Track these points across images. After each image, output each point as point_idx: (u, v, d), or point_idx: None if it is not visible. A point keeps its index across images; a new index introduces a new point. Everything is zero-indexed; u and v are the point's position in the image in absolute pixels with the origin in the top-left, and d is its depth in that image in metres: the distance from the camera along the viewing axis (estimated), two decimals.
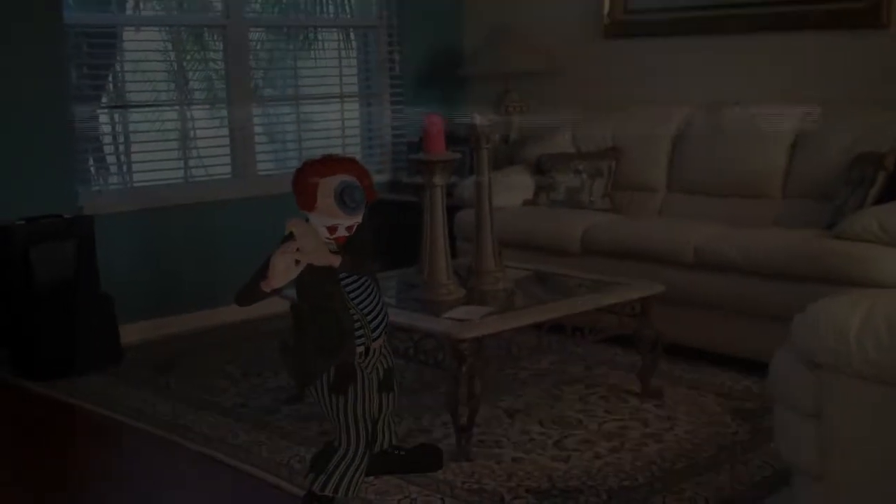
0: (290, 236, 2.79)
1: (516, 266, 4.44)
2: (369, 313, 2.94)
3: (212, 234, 5.63)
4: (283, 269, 2.76)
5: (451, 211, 4.60)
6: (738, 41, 5.46)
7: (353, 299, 2.92)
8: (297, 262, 2.76)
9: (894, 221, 4.14)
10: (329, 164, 2.88)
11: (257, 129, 6.04)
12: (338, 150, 6.33)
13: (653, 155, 5.49)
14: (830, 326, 2.42)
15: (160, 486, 3.60)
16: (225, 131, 5.86)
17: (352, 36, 6.53)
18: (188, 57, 6.05)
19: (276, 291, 2.81)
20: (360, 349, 2.96)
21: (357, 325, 2.92)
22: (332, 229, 2.84)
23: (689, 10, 5.65)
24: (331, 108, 6.40)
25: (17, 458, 3.89)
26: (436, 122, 3.97)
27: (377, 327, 2.97)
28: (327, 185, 2.82)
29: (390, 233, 5.37)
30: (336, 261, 2.82)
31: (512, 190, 5.57)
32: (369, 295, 2.95)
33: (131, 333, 5.12)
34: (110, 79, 5.58)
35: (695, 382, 4.38)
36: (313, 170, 2.85)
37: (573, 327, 4.01)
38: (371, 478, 3.30)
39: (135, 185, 5.54)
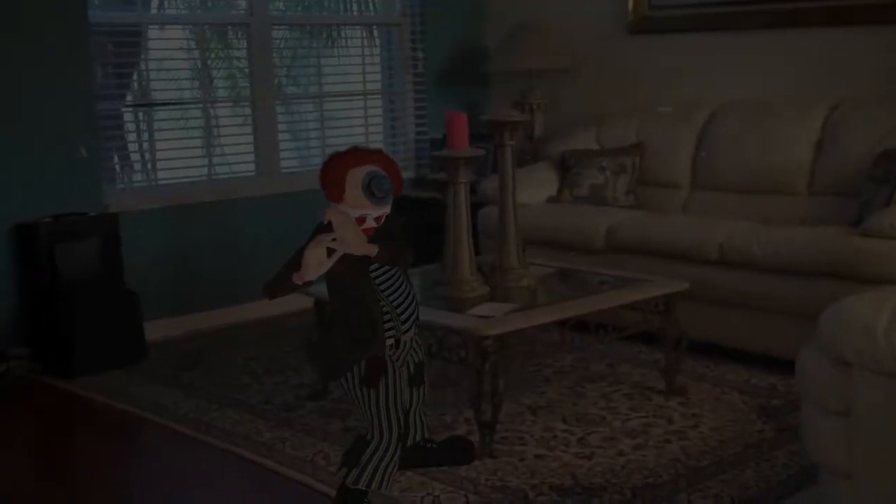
0: (323, 227, 2.78)
1: (540, 263, 4.43)
2: (399, 305, 2.93)
3: (235, 231, 5.64)
4: (316, 262, 2.76)
5: (475, 208, 4.61)
6: (762, 37, 5.42)
7: (382, 291, 2.91)
8: (330, 253, 2.76)
9: None
10: (357, 154, 2.88)
11: (281, 126, 6.05)
12: None
13: (677, 152, 5.46)
14: (858, 324, 2.40)
15: (183, 483, 3.62)
16: (249, 129, 5.87)
17: (375, 33, 6.54)
18: (212, 55, 6.07)
19: (306, 284, 2.81)
20: (391, 341, 2.95)
21: (387, 317, 2.91)
22: (360, 220, 2.83)
23: (713, 6, 5.61)
24: (354, 105, 6.41)
25: (42, 455, 3.91)
26: (459, 118, 3.96)
27: (407, 319, 2.95)
28: (355, 176, 2.81)
29: (414, 230, 5.36)
30: (373, 251, 2.82)
31: (536, 187, 5.56)
32: (399, 287, 2.94)
33: (156, 330, 5.14)
34: (135, 77, 5.61)
35: (719, 380, 4.36)
36: (341, 161, 2.86)
37: (597, 324, 4.00)
38: (405, 471, 3.30)
39: (159, 182, 5.56)
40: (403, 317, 2.94)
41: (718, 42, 5.60)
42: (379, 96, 6.53)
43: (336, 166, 2.85)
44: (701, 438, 3.73)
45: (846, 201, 4.68)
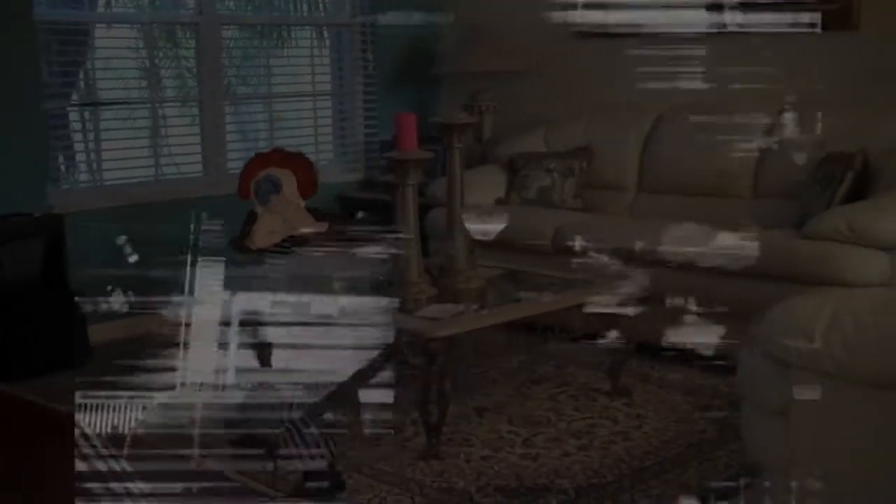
0: (249, 216, 2.86)
1: (488, 265, 4.44)
2: None
3: (183, 231, 5.59)
4: (267, 231, 2.83)
5: (424, 210, 4.61)
6: (709, 42, 5.48)
7: None
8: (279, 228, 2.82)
9: (862, 221, 4.17)
10: (265, 159, 2.95)
11: (229, 126, 6.01)
12: (310, 149, 6.32)
13: (624, 154, 5.51)
14: (798, 325, 2.44)
15: (127, 488, 3.58)
16: (197, 129, 5.83)
17: (325, 34, 6.52)
18: (160, 54, 6.02)
19: (261, 251, 2.87)
20: None
21: None
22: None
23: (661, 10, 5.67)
24: (304, 106, 6.38)
25: None
26: (408, 120, 3.97)
27: None
28: (259, 176, 2.91)
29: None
30: (323, 226, 2.88)
31: (484, 189, 5.58)
32: None
33: (101, 333, 5.09)
34: (81, 76, 5.55)
35: (663, 381, 4.41)
36: (254, 165, 2.94)
37: (544, 326, 4.02)
38: None
39: (105, 182, 5.50)
40: None
41: (665, 46, 5.65)
42: (329, 97, 6.52)
43: (247, 170, 2.94)
44: (645, 438, 3.77)
45: (789, 204, 4.74)
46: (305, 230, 2.88)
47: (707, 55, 5.48)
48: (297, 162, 2.99)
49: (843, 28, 5.03)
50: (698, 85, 5.49)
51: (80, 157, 5.72)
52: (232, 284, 5.33)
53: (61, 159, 5.48)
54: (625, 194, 5.49)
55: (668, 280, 4.59)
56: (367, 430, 3.81)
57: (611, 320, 4.15)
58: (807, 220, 4.40)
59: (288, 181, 2.91)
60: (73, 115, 5.56)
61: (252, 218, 2.91)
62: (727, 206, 5.03)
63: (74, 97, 5.52)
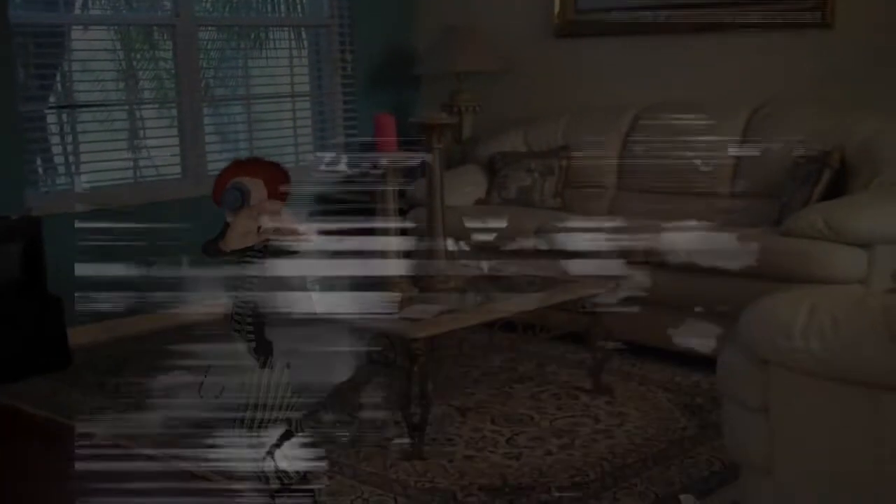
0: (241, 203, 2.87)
1: (469, 264, 4.44)
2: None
3: (162, 233, 5.57)
4: (242, 232, 2.84)
5: (404, 210, 4.61)
6: (686, 41, 5.51)
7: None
8: (258, 230, 2.83)
9: (839, 218, 4.20)
10: (240, 167, 2.96)
11: (208, 128, 6.00)
12: (290, 150, 6.32)
13: (603, 154, 5.52)
14: (776, 323, 2.45)
15: (110, 491, 3.57)
16: (175, 131, 5.81)
17: (303, 35, 6.51)
18: (137, 56, 6.00)
19: (233, 252, 2.87)
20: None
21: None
22: None
23: (638, 11, 5.69)
24: (282, 107, 6.37)
25: None
26: (387, 122, 3.97)
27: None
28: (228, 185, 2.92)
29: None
30: (312, 233, 2.90)
31: (465, 189, 5.59)
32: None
33: (80, 336, 5.06)
34: (58, 78, 5.52)
35: (644, 379, 4.42)
36: (228, 171, 2.95)
37: (525, 325, 4.03)
38: None
39: (83, 185, 5.48)
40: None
41: (643, 46, 5.68)
42: (307, 98, 6.51)
43: (221, 176, 2.97)
44: (627, 437, 3.78)
45: (767, 202, 4.77)
46: (291, 232, 2.89)
47: (684, 54, 5.52)
48: (268, 170, 2.99)
49: (818, 27, 5.07)
50: (676, 84, 5.53)
51: (57, 159, 5.69)
52: (210, 285, 5.32)
53: (39, 162, 5.45)
54: (604, 193, 5.51)
55: (647, 278, 4.61)
56: (351, 432, 3.81)
57: (590, 319, 4.17)
58: (785, 218, 4.42)
59: (257, 189, 2.91)
60: (51, 118, 5.53)
61: (226, 225, 2.91)
62: (706, 205, 5.06)
63: (51, 99, 5.49)
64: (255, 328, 2.98)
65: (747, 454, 2.64)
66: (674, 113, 5.34)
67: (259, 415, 2.99)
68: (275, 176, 2.95)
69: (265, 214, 2.84)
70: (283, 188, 2.96)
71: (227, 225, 2.90)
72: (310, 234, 2.92)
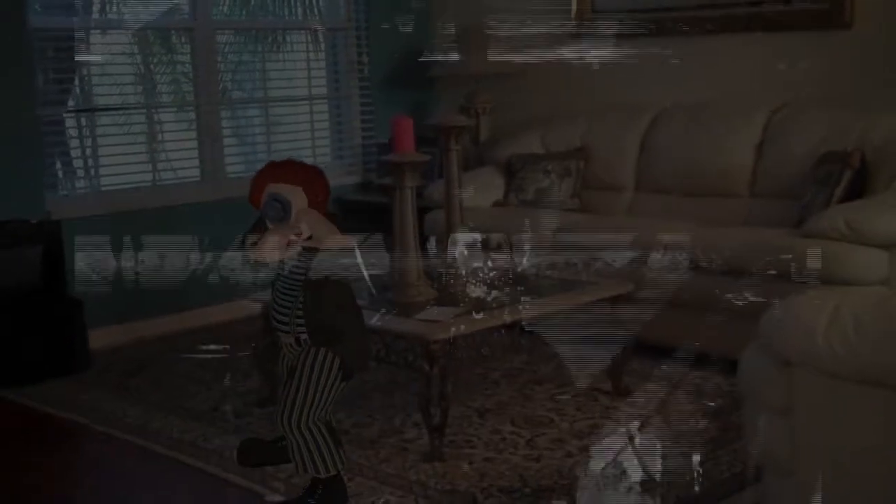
0: (255, 224, 2.89)
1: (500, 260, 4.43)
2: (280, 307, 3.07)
3: (181, 236, 5.58)
4: (271, 247, 2.86)
5: (422, 212, 4.61)
6: (703, 42, 5.49)
7: (281, 292, 3.04)
8: (290, 244, 2.85)
9: (861, 219, 4.18)
10: (278, 170, 2.97)
11: (226, 131, 6.01)
12: (307, 153, 6.32)
13: (621, 155, 5.51)
14: (798, 324, 2.44)
15: (131, 493, 3.58)
16: (193, 134, 5.83)
17: (320, 38, 6.52)
18: (155, 60, 6.02)
19: (258, 263, 2.91)
20: (290, 339, 3.07)
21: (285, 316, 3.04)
22: None
23: (656, 12, 5.68)
24: (300, 110, 6.38)
25: None
26: (405, 123, 3.97)
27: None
28: (266, 193, 2.93)
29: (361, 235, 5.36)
30: (351, 242, 2.92)
31: (482, 190, 5.58)
32: (288, 291, 3.03)
33: (100, 338, 5.08)
34: (77, 83, 5.54)
35: (665, 380, 4.40)
36: (265, 173, 2.96)
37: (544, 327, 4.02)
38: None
39: (102, 189, 5.50)
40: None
41: (661, 47, 5.66)
42: (325, 101, 6.52)
43: (258, 177, 2.98)
44: (647, 439, 3.77)
45: (787, 203, 4.75)
46: (329, 245, 2.92)
47: (702, 54, 5.50)
48: (307, 176, 2.98)
49: (837, 27, 5.04)
50: (694, 84, 5.51)
51: (76, 163, 5.72)
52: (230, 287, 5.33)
53: (58, 166, 5.47)
54: (623, 195, 5.49)
55: (667, 279, 4.60)
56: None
57: (610, 320, 4.16)
58: (805, 220, 4.40)
59: (297, 199, 2.91)
60: (70, 122, 5.55)
61: (262, 226, 2.92)
62: (725, 206, 5.04)
63: (70, 103, 5.52)
64: (309, 318, 2.99)
65: (769, 456, 2.63)
66: (692, 114, 5.33)
67: (305, 404, 3.00)
68: (314, 183, 2.94)
69: (304, 223, 2.86)
70: (322, 196, 2.95)
71: (258, 227, 2.91)
72: (349, 243, 2.94)
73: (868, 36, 4.97)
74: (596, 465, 3.24)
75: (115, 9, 5.84)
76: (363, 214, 5.77)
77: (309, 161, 6.15)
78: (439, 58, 6.38)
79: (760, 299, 3.05)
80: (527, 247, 4.38)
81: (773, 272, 4.24)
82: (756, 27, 5.30)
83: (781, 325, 2.49)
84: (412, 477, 3.47)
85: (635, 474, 3.12)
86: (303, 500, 3.13)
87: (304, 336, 3.03)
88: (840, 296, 2.52)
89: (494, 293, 4.13)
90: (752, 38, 5.32)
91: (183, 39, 5.89)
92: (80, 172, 5.71)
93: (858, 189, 4.48)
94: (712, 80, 5.46)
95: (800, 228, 4.38)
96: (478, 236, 4.08)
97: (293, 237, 2.89)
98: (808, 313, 2.44)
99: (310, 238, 2.92)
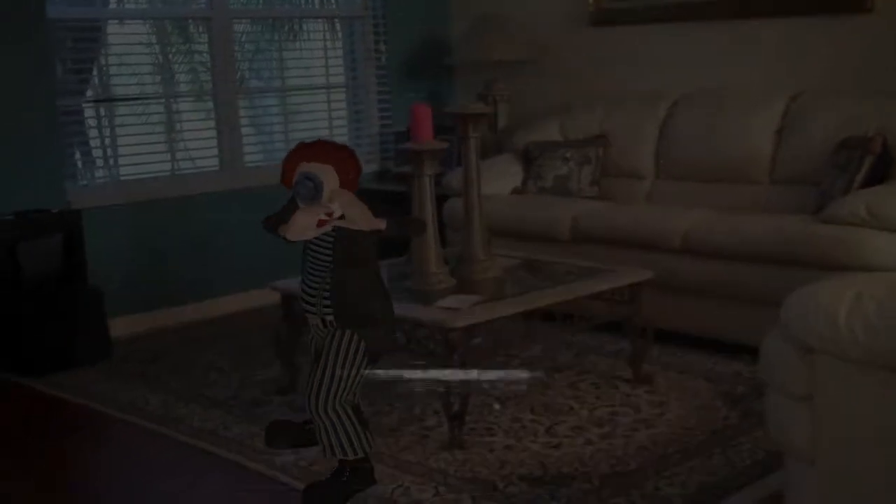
0: (288, 204, 2.90)
1: (506, 254, 4.44)
2: (313, 285, 3.06)
3: (200, 226, 5.61)
4: (303, 227, 2.87)
5: (440, 200, 4.61)
6: (723, 27, 5.46)
7: (309, 270, 3.05)
8: (320, 224, 2.86)
9: (881, 205, 4.16)
10: (309, 150, 2.97)
11: (244, 120, 6.02)
12: None
13: (640, 142, 5.49)
14: (820, 311, 2.42)
15: (151, 479, 3.60)
16: (211, 123, 5.84)
17: (337, 26, 6.52)
18: (173, 49, 6.03)
19: (286, 240, 2.93)
20: (316, 320, 3.08)
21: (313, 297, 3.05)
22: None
23: None
24: (317, 98, 6.39)
25: (6, 453, 3.88)
26: (423, 111, 3.96)
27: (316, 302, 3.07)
28: (298, 172, 2.92)
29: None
30: (382, 224, 2.93)
31: (500, 178, 5.58)
32: (320, 268, 3.02)
33: (121, 327, 5.11)
34: (95, 73, 5.56)
35: (685, 368, 4.40)
36: (297, 154, 2.96)
37: (563, 314, 4.02)
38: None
39: (122, 178, 5.53)
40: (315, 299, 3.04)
41: (679, 32, 5.64)
42: (342, 89, 6.51)
43: (289, 158, 2.97)
44: (667, 426, 3.76)
45: (807, 189, 4.72)
46: (365, 228, 2.93)
47: (721, 40, 5.47)
48: (339, 155, 2.99)
49: (857, 11, 5.00)
50: (713, 70, 5.48)
51: (96, 153, 5.74)
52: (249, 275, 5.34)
53: (78, 156, 5.50)
54: (642, 182, 5.47)
55: (686, 267, 4.59)
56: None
57: (630, 307, 4.15)
58: (826, 206, 4.38)
59: (329, 178, 2.91)
60: (89, 112, 5.58)
61: (293, 206, 2.93)
62: (745, 192, 5.02)
63: (89, 94, 5.53)
64: (336, 298, 2.99)
65: (791, 444, 2.62)
66: (711, 100, 5.31)
67: (332, 386, 3.00)
68: (345, 162, 2.95)
69: (336, 203, 2.88)
70: (354, 174, 2.96)
71: (290, 207, 2.92)
72: (380, 224, 2.95)
73: (889, 20, 4.93)
74: None
75: None
76: (381, 203, 5.75)
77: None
78: (457, 45, 6.38)
79: (781, 285, 3.02)
80: None
81: (793, 258, 4.23)
82: (776, 12, 5.25)
83: (803, 312, 2.47)
84: (432, 464, 3.47)
85: None
86: (330, 483, 3.13)
87: (329, 318, 3.03)
88: (862, 282, 2.50)
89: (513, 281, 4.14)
90: (772, 23, 5.29)
91: (201, 29, 5.90)
92: (100, 162, 5.73)
93: (880, 175, 4.45)
94: (732, 65, 5.43)
95: (820, 214, 4.36)
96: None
97: (325, 216, 2.90)
98: (830, 299, 2.42)
99: (341, 218, 2.92)
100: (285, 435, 3.34)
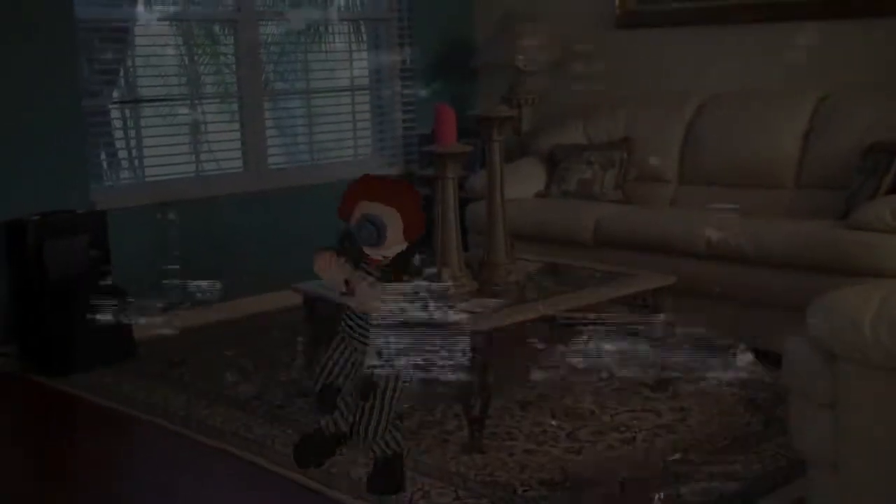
0: (345, 234, 2.80)
1: (528, 258, 4.43)
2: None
3: (223, 227, 5.63)
4: (330, 279, 2.80)
5: (463, 203, 4.60)
6: (750, 30, 5.43)
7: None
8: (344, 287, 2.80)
9: None
10: (374, 188, 2.83)
11: (268, 122, 6.04)
12: (349, 143, 6.34)
13: (665, 145, 5.47)
14: (845, 316, 2.41)
15: (173, 480, 3.61)
16: (236, 125, 5.86)
17: (362, 29, 6.53)
18: (199, 51, 6.06)
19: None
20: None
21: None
22: None
23: (700, 0, 5.62)
24: (342, 100, 6.39)
25: (31, 453, 3.90)
26: (447, 113, 3.95)
27: None
28: (360, 210, 2.80)
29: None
30: (378, 305, 2.82)
31: (524, 182, 5.56)
32: None
33: (144, 328, 5.13)
34: (121, 74, 5.59)
35: (707, 373, 4.36)
36: (361, 189, 2.83)
37: (585, 319, 4.00)
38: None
39: (147, 179, 5.55)
40: None
41: (706, 35, 5.61)
42: (367, 92, 6.52)
43: (351, 192, 2.84)
44: (689, 432, 3.74)
45: (834, 194, 4.69)
46: (360, 299, 2.84)
47: (748, 43, 5.44)
48: (405, 198, 2.85)
49: (883, 15, 4.96)
50: (739, 73, 5.45)
51: (121, 154, 5.77)
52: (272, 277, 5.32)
53: (103, 156, 5.53)
54: (666, 186, 5.45)
55: (710, 271, 4.56)
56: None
57: (652, 312, 4.13)
58: (851, 210, 4.35)
59: (393, 222, 2.79)
60: (115, 113, 5.61)
61: (354, 245, 2.81)
62: (770, 197, 4.99)
63: (115, 95, 5.57)
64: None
65: (814, 450, 2.60)
66: (737, 103, 5.28)
67: (382, 420, 2.96)
68: (411, 203, 2.81)
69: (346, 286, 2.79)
70: (419, 217, 2.82)
71: (349, 244, 2.80)
72: (375, 306, 2.82)
73: None
74: None
75: (159, 0, 5.88)
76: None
77: (349, 152, 6.19)
78: (482, 47, 6.37)
79: (805, 291, 3.00)
80: None
81: (817, 264, 4.19)
82: (802, 15, 5.22)
83: (827, 318, 2.45)
84: (452, 468, 3.46)
85: None
86: (383, 471, 3.09)
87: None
88: (887, 288, 2.48)
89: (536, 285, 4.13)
90: (798, 26, 5.24)
91: (226, 31, 5.92)
92: (125, 163, 5.76)
93: None
94: (758, 68, 5.40)
95: (845, 219, 4.32)
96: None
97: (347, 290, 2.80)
98: (855, 305, 2.41)
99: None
100: (313, 451, 3.27)
